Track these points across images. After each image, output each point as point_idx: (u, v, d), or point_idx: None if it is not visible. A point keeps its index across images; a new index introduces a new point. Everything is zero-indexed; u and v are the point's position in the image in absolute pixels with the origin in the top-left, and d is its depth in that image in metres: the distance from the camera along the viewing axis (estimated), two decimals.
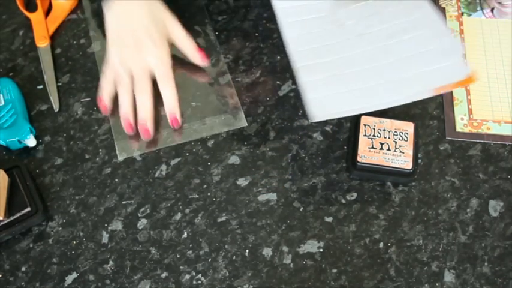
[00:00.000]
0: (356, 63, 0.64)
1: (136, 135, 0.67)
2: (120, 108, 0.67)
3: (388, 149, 0.64)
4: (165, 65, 0.66)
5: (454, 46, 0.62)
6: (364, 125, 0.65)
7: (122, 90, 0.66)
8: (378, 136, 0.65)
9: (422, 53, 0.63)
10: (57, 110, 0.71)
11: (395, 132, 0.65)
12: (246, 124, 0.69)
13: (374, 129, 0.65)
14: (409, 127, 0.65)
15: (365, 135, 0.65)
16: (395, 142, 0.64)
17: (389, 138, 0.65)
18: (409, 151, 0.64)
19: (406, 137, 0.65)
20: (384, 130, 0.65)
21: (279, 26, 0.68)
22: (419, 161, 0.66)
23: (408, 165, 0.63)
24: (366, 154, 0.64)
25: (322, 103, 0.62)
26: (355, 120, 0.66)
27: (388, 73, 0.63)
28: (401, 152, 0.64)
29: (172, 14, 0.69)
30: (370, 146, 0.64)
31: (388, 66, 0.64)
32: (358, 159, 0.64)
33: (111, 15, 0.67)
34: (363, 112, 0.64)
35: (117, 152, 0.67)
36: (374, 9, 0.67)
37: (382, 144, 0.64)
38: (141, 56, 0.65)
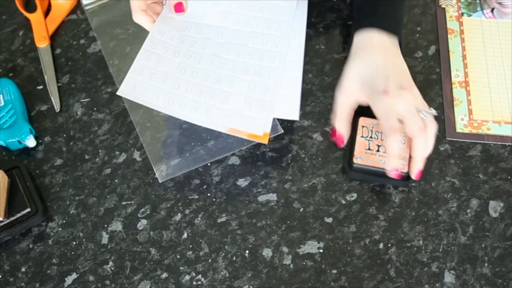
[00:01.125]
0: (191, 75, 0.65)
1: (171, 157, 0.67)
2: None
3: (385, 152, 0.64)
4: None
5: (272, 105, 0.63)
6: (362, 127, 0.65)
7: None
8: (375, 138, 0.65)
9: (245, 97, 0.64)
10: (58, 110, 0.71)
11: None
12: (282, 131, 0.68)
13: (372, 131, 0.65)
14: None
15: (362, 137, 0.65)
16: None
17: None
18: (406, 154, 0.63)
19: (404, 139, 0.64)
20: (382, 132, 0.65)
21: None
22: None
23: (404, 168, 0.63)
24: (362, 156, 0.64)
25: (137, 86, 0.63)
26: (352, 121, 0.66)
27: (210, 97, 0.63)
28: (398, 154, 0.63)
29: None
30: (367, 148, 0.64)
31: (214, 92, 0.64)
32: (354, 160, 0.64)
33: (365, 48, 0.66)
34: (165, 113, 0.63)
35: (157, 175, 0.66)
36: (242, 40, 0.68)
37: (379, 146, 0.64)
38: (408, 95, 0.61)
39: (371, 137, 0.65)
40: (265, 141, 0.62)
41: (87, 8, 0.79)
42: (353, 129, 0.65)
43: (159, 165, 0.66)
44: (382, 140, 0.65)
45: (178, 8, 0.68)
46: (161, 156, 0.67)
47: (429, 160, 0.66)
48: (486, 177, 0.65)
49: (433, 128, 0.60)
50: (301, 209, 0.64)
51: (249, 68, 0.66)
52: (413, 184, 0.65)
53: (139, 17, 0.68)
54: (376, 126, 0.65)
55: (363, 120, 0.66)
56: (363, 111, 0.66)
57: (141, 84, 0.64)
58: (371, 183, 0.65)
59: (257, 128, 0.62)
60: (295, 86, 0.65)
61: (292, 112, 0.63)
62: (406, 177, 0.63)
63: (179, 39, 0.67)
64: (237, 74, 0.65)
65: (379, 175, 0.63)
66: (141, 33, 0.77)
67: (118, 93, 0.63)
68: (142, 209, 0.65)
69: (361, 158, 0.64)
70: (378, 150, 0.64)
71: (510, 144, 0.67)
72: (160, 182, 0.66)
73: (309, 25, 0.71)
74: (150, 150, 0.67)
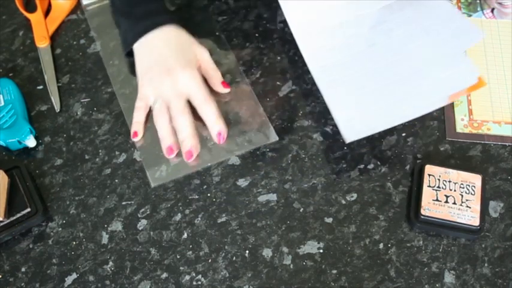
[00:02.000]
0: (373, 77, 0.65)
1: (165, 161, 0.66)
2: (159, 133, 0.66)
3: (454, 203, 0.62)
4: (199, 85, 0.66)
5: (464, 47, 0.64)
6: (429, 175, 0.63)
7: (159, 115, 0.66)
8: (443, 188, 0.62)
9: (434, 60, 0.64)
10: (59, 110, 0.71)
11: (462, 184, 0.62)
12: (277, 139, 0.68)
13: (439, 180, 0.63)
14: (476, 180, 0.63)
15: (429, 186, 0.62)
16: (462, 195, 0.62)
17: (455, 190, 0.62)
18: (477, 206, 0.61)
19: (473, 190, 0.62)
20: (450, 182, 0.63)
21: (293, 36, 0.68)
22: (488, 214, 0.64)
23: (475, 221, 0.60)
24: (430, 207, 0.61)
25: (352, 122, 0.62)
26: (418, 168, 0.64)
27: (404, 85, 0.64)
28: (467, 206, 0.61)
29: (199, 42, 0.70)
30: (435, 199, 0.62)
31: (403, 78, 0.64)
32: (422, 211, 0.61)
33: (140, 54, 0.69)
34: (391, 126, 0.63)
35: (150, 180, 0.65)
36: (383, 17, 0.67)
37: (447, 196, 0.62)
38: (174, 79, 0.66)
39: (438, 187, 0.62)
40: (485, 84, 0.62)
41: (87, 8, 0.79)
42: (419, 177, 0.64)
43: (153, 169, 0.66)
44: (450, 190, 0.62)
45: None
46: (159, 159, 0.67)
47: (429, 160, 0.66)
48: (486, 177, 0.65)
49: None
50: (301, 209, 0.64)
51: (412, 34, 0.65)
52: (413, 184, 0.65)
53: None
54: (444, 175, 0.63)
55: (429, 169, 0.63)
56: (429, 158, 0.66)
57: (354, 117, 0.62)
58: (372, 183, 0.65)
59: (470, 77, 0.61)
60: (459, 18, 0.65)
61: (474, 34, 0.64)
62: (477, 231, 0.61)
63: (334, 50, 0.66)
64: (408, 46, 0.65)
65: (449, 228, 0.61)
66: None
67: (347, 141, 0.61)
68: (142, 209, 0.65)
69: (429, 209, 0.61)
70: (446, 201, 0.61)
71: (510, 144, 0.67)
72: (152, 186, 0.65)
73: None
74: (147, 152, 0.67)
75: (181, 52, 0.68)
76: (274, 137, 0.68)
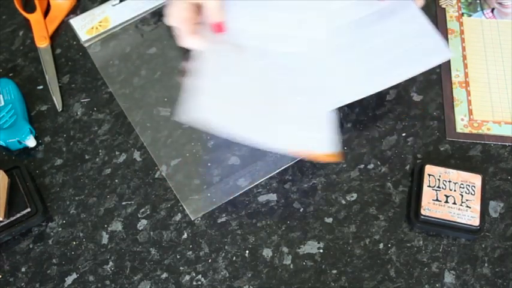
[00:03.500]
0: (249, 94, 0.62)
1: (199, 192, 0.64)
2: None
3: (454, 203, 0.62)
4: None
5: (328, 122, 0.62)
6: (429, 175, 0.63)
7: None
8: (443, 188, 0.62)
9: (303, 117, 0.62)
10: (61, 109, 0.71)
11: (462, 184, 0.62)
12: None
13: (439, 180, 0.63)
14: (476, 180, 0.63)
15: (429, 186, 0.62)
16: (462, 195, 0.62)
17: (455, 190, 0.62)
18: (476, 206, 0.61)
19: (473, 190, 0.62)
20: (450, 182, 0.63)
21: None
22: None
23: (475, 221, 0.61)
24: (430, 207, 0.61)
25: (198, 109, 0.58)
26: (418, 168, 0.64)
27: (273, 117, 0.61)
28: (467, 206, 0.61)
29: None
30: (435, 199, 0.62)
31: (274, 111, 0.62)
32: (422, 211, 0.61)
33: None
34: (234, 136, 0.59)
35: (189, 214, 0.64)
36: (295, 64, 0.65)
37: (447, 196, 0.62)
38: None
39: (438, 187, 0.62)
40: (336, 159, 0.61)
41: (85, 45, 0.76)
42: (419, 177, 0.64)
43: (189, 201, 0.64)
44: (450, 190, 0.62)
45: (218, 28, 0.64)
46: (193, 191, 0.65)
47: (429, 160, 0.66)
48: (486, 177, 0.65)
49: None
50: (301, 209, 0.64)
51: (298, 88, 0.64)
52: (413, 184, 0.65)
53: (191, 41, 0.63)
54: (444, 175, 0.63)
55: (429, 169, 0.63)
56: (429, 158, 0.66)
57: (209, 108, 0.59)
58: (372, 183, 0.65)
59: (324, 148, 0.60)
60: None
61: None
62: (477, 231, 0.61)
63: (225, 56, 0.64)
64: (289, 95, 0.63)
65: (449, 228, 0.61)
66: None
67: (177, 119, 0.57)
68: (142, 209, 0.65)
69: (429, 209, 0.61)
70: (446, 201, 0.62)
71: (510, 144, 0.67)
72: (193, 219, 0.64)
73: None
74: (178, 189, 0.65)
75: None
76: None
